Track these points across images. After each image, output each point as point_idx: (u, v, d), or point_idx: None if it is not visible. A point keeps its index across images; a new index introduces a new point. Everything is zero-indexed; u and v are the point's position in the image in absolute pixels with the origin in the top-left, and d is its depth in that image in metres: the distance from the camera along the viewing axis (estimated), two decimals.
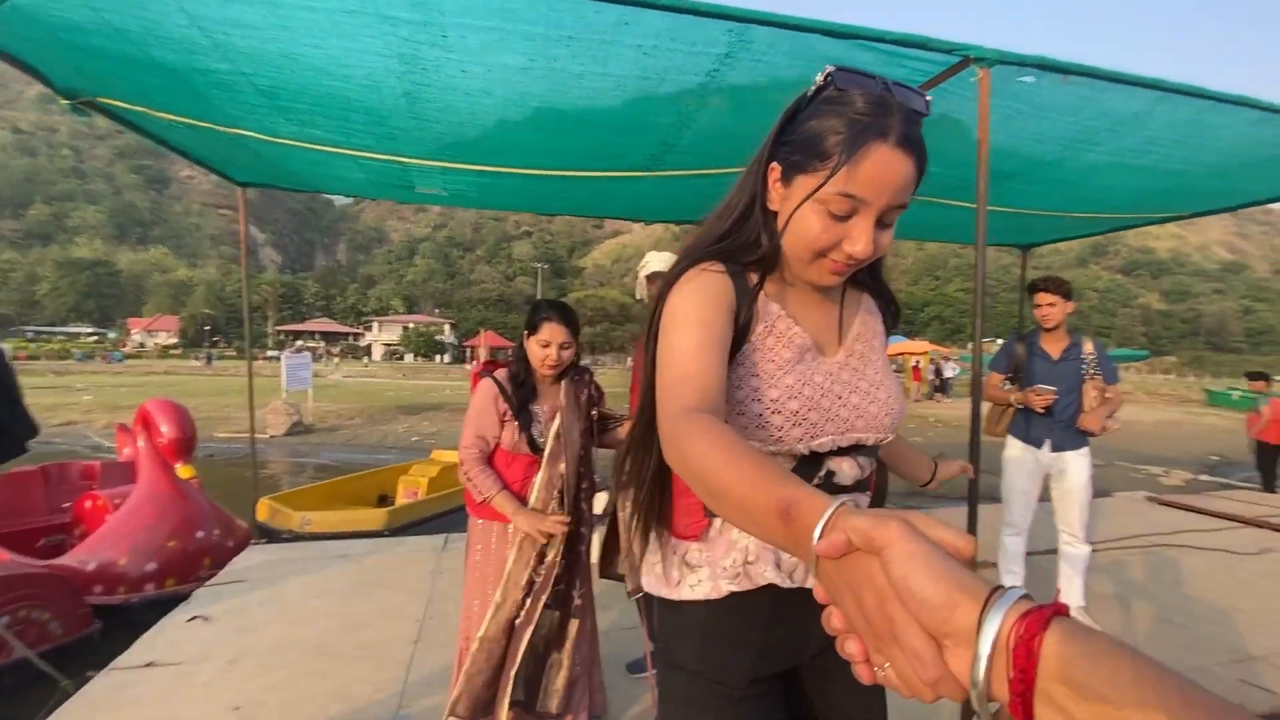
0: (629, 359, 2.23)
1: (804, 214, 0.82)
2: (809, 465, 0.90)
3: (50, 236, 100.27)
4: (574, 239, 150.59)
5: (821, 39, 1.81)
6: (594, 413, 2.22)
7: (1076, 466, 3.28)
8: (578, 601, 2.10)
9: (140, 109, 2.56)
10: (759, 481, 0.55)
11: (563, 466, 2.06)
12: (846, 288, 1.01)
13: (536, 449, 2.06)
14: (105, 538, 4.07)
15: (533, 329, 2.06)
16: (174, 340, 65.86)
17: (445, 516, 6.13)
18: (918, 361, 26.75)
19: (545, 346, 2.04)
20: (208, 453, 12.04)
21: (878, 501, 1.06)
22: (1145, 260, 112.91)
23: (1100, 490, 7.85)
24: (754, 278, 0.91)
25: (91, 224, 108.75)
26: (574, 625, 2.08)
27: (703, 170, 3.21)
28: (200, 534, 4.24)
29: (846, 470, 0.93)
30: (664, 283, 0.90)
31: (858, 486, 0.96)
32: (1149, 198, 3.77)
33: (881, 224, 0.81)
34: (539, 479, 2.04)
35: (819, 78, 0.82)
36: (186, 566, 4.09)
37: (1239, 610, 3.56)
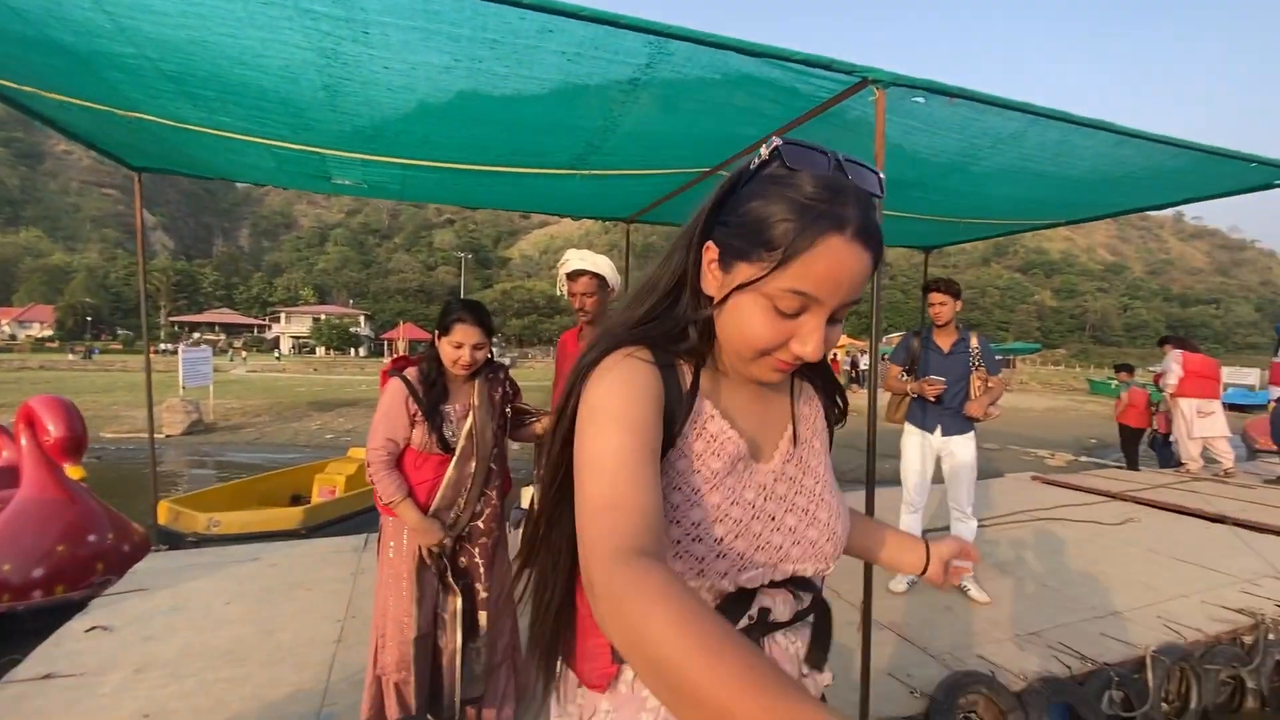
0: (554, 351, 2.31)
1: (747, 307, 0.70)
2: (736, 604, 0.75)
3: None
4: (500, 228, 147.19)
5: (736, 55, 1.93)
6: (508, 410, 2.25)
7: (963, 449, 3.64)
8: (483, 595, 2.13)
9: (30, 89, 2.36)
10: (748, 691, 0.43)
11: (473, 465, 2.08)
12: (791, 377, 0.87)
13: (448, 448, 2.06)
14: None
15: (445, 330, 2.05)
16: (49, 332, 59.49)
17: (364, 515, 5.96)
18: (835, 354, 28.15)
19: (458, 348, 2.03)
20: (96, 454, 11.07)
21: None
22: (1040, 260, 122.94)
23: (993, 471, 8.62)
24: (685, 368, 0.78)
25: None
26: (483, 616, 2.13)
27: (630, 170, 3.30)
28: (92, 538, 3.95)
29: (781, 606, 0.78)
30: (578, 369, 0.75)
31: (798, 617, 0.80)
32: (1030, 206, 4.19)
33: (833, 320, 0.71)
34: (447, 478, 2.05)
35: (763, 150, 0.70)
36: (78, 572, 3.80)
37: (1103, 574, 4.05)
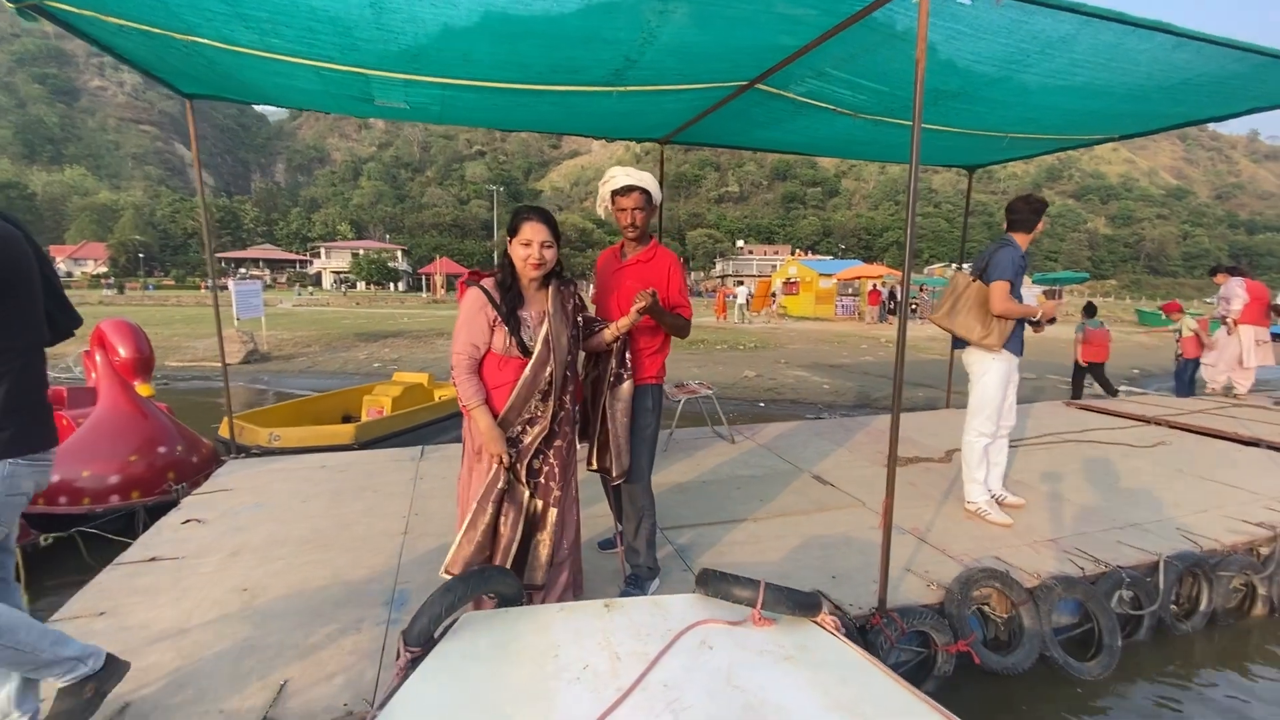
0: (590, 285, 2.41)
1: None
2: None
3: None
4: (530, 159, 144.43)
5: None
6: (580, 319, 2.36)
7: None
8: (556, 493, 2.27)
9: (90, 14, 2.49)
10: None
11: (549, 370, 2.19)
12: None
13: (527, 352, 2.16)
14: (66, 453, 4.16)
15: (514, 231, 2.15)
16: (103, 269, 61.93)
17: (413, 432, 6.35)
18: (874, 285, 27.52)
19: (527, 246, 2.11)
20: (163, 381, 11.84)
21: None
22: (1096, 185, 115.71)
23: (1028, 398, 8.56)
24: None
25: None
26: (552, 514, 2.28)
27: (666, 86, 3.29)
28: (163, 449, 4.33)
29: None
30: None
31: None
32: (1080, 118, 4.03)
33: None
34: (523, 378, 2.15)
35: None
36: (151, 481, 4.20)
37: (1126, 490, 4.13)
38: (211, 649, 2.34)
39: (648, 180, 2.52)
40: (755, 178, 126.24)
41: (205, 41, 2.61)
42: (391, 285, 61.19)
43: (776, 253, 75.45)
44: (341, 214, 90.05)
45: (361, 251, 65.77)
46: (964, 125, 4.13)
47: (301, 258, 73.62)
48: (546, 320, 2.21)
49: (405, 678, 1.13)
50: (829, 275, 29.67)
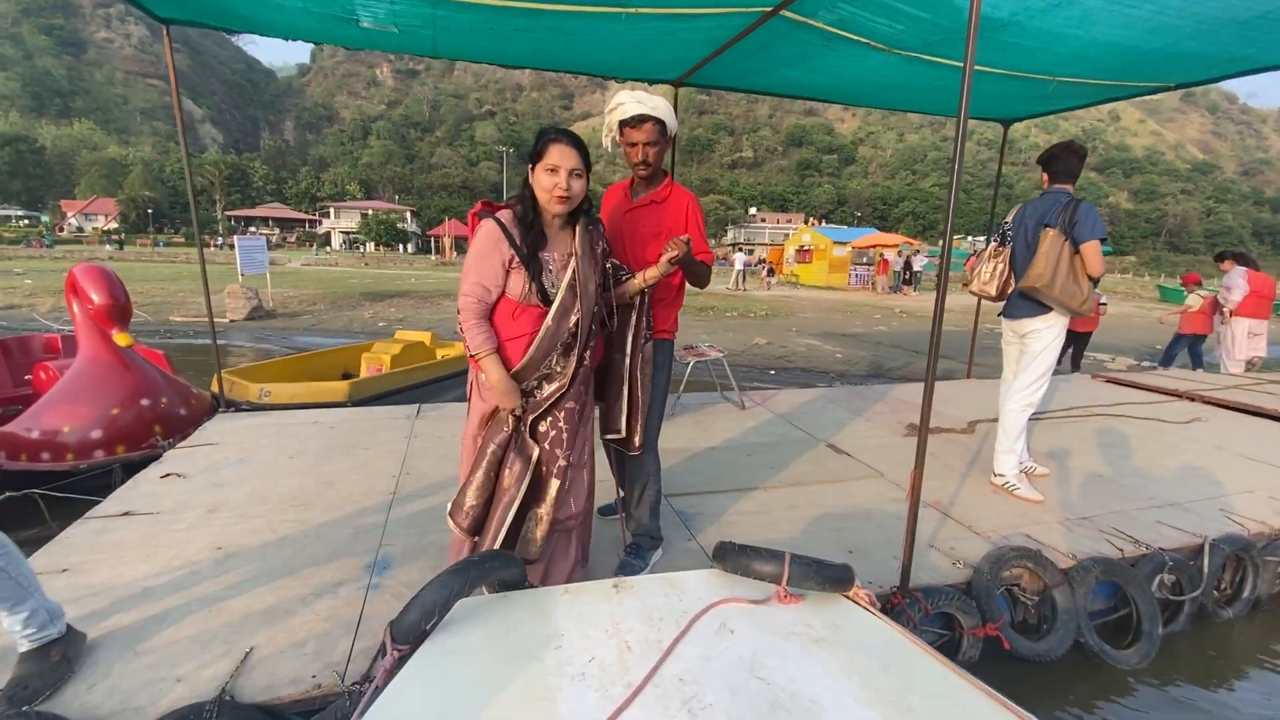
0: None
1: None
2: None
3: None
4: (541, 119, 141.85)
5: None
6: (608, 265, 2.07)
7: None
8: (561, 462, 2.00)
9: None
10: None
11: (573, 320, 1.90)
12: None
13: (548, 300, 1.88)
14: (46, 406, 3.96)
15: (538, 156, 1.83)
16: (114, 225, 61.76)
17: (411, 390, 6.16)
18: (882, 254, 26.91)
19: (553, 172, 1.81)
20: (166, 335, 11.72)
21: None
22: (1120, 159, 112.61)
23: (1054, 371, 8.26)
24: None
25: (4, 94, 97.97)
26: (554, 486, 2.00)
27: (680, 9, 2.95)
28: (145, 402, 4.12)
29: None
30: None
31: None
32: (1138, 59, 3.64)
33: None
34: (544, 329, 1.87)
35: None
36: (136, 434, 4.00)
37: (1163, 467, 3.88)
38: (176, 610, 2.16)
39: (662, 108, 2.21)
40: (770, 143, 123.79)
41: None
42: (400, 246, 60.77)
43: (790, 220, 74.27)
44: (350, 173, 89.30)
45: (370, 212, 65.22)
46: (1008, 66, 3.76)
47: (311, 217, 73.21)
48: (573, 263, 1.90)
49: (390, 678, 0.95)
50: (843, 244, 29.02)
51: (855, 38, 3.31)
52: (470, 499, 1.99)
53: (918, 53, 3.48)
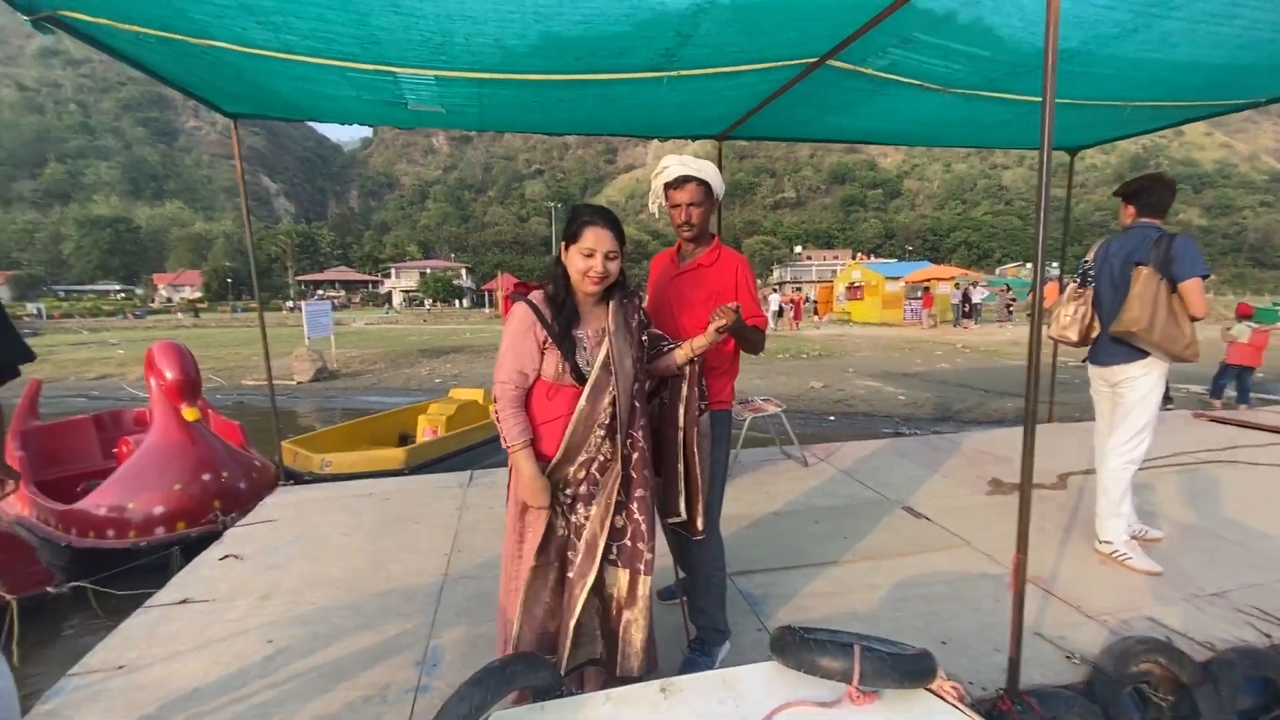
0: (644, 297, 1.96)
1: None
2: None
3: (68, 195, 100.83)
4: (586, 175, 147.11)
5: None
6: (644, 337, 1.95)
7: None
8: (648, 556, 1.82)
9: (105, 22, 2.33)
10: None
11: (607, 400, 1.80)
12: None
13: (583, 379, 1.80)
14: (116, 483, 4.09)
15: (573, 237, 1.78)
16: (198, 294, 66.70)
17: (465, 453, 6.16)
18: (927, 287, 25.97)
19: (588, 256, 1.75)
20: (237, 400, 12.29)
21: None
22: (1188, 174, 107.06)
23: None
24: None
25: (106, 180, 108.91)
26: (644, 584, 1.82)
27: (723, 68, 2.90)
28: (207, 477, 4.20)
29: None
30: None
31: None
32: (1225, 77, 3.35)
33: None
34: (579, 410, 1.77)
35: None
36: (196, 510, 4.06)
37: None
38: (222, 716, 2.07)
39: (707, 170, 2.12)
40: (812, 182, 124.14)
41: (221, 45, 2.41)
42: (457, 301, 63.10)
43: (836, 257, 73.46)
44: (410, 235, 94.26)
45: (428, 270, 68.33)
46: (1077, 95, 3.53)
47: (374, 278, 77.17)
48: (606, 340, 1.82)
49: None
50: (896, 278, 28.29)
51: (908, 80, 3.17)
52: (537, 627, 1.82)
53: (978, 90, 3.30)
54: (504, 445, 1.81)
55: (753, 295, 2.17)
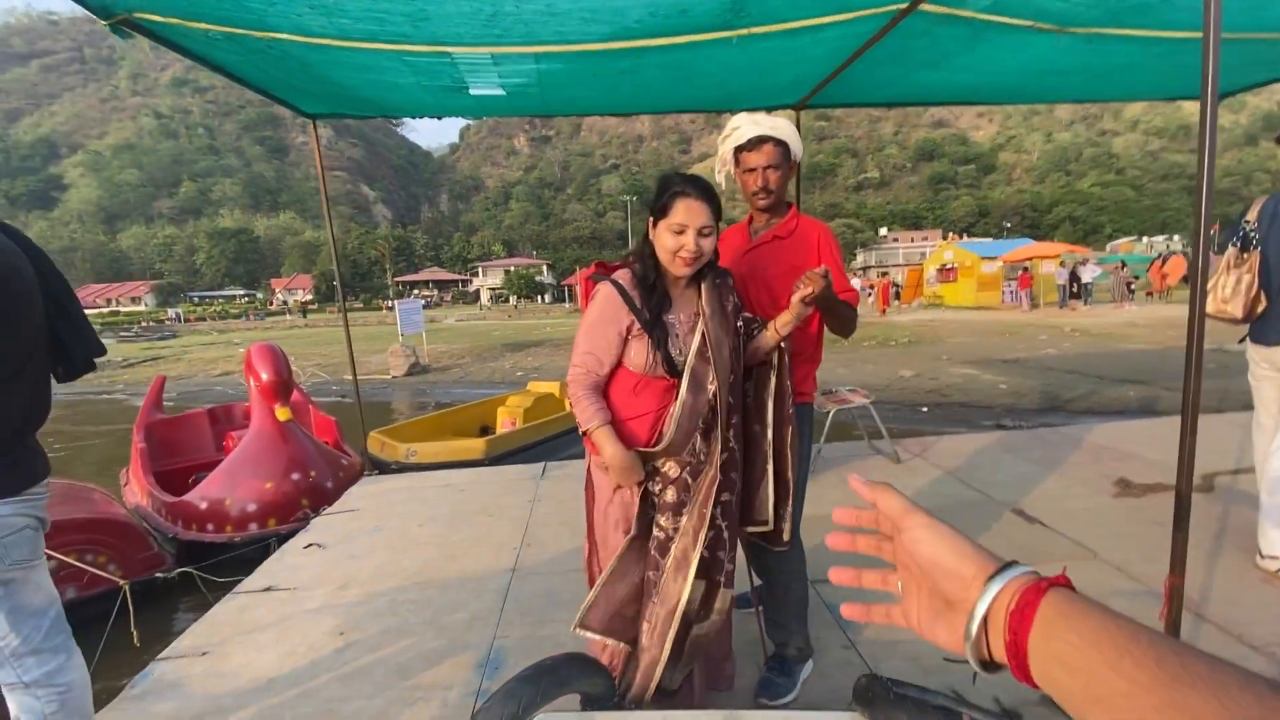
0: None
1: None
2: None
3: (199, 210, 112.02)
4: (661, 166, 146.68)
5: None
6: (740, 323, 1.74)
7: None
8: (729, 567, 1.65)
9: (176, 21, 2.39)
10: None
11: (710, 392, 1.61)
12: None
13: (675, 370, 1.61)
14: (216, 478, 4.32)
15: (661, 211, 1.58)
16: (309, 297, 72.25)
17: (542, 445, 6.21)
18: (1025, 267, 23.83)
19: (679, 233, 1.55)
20: (341, 394, 13.09)
21: None
22: None
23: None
24: None
25: (230, 195, 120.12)
26: (725, 597, 1.65)
27: (797, 22, 2.62)
28: (296, 476, 4.36)
29: None
30: None
31: None
32: None
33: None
34: (677, 408, 1.58)
35: None
36: (285, 507, 4.22)
37: None
38: (291, 710, 2.08)
39: (784, 128, 1.86)
40: (897, 161, 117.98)
41: (283, 36, 2.42)
42: (539, 297, 64.90)
43: (925, 238, 69.39)
44: (495, 235, 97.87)
45: (512, 268, 70.65)
46: (1224, 27, 2.95)
47: (463, 277, 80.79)
48: (702, 325, 1.63)
49: None
50: (992, 259, 26.19)
51: (1015, 22, 2.76)
52: (615, 603, 1.65)
53: (1100, 27, 2.83)
54: (581, 429, 1.65)
55: (840, 266, 1.89)
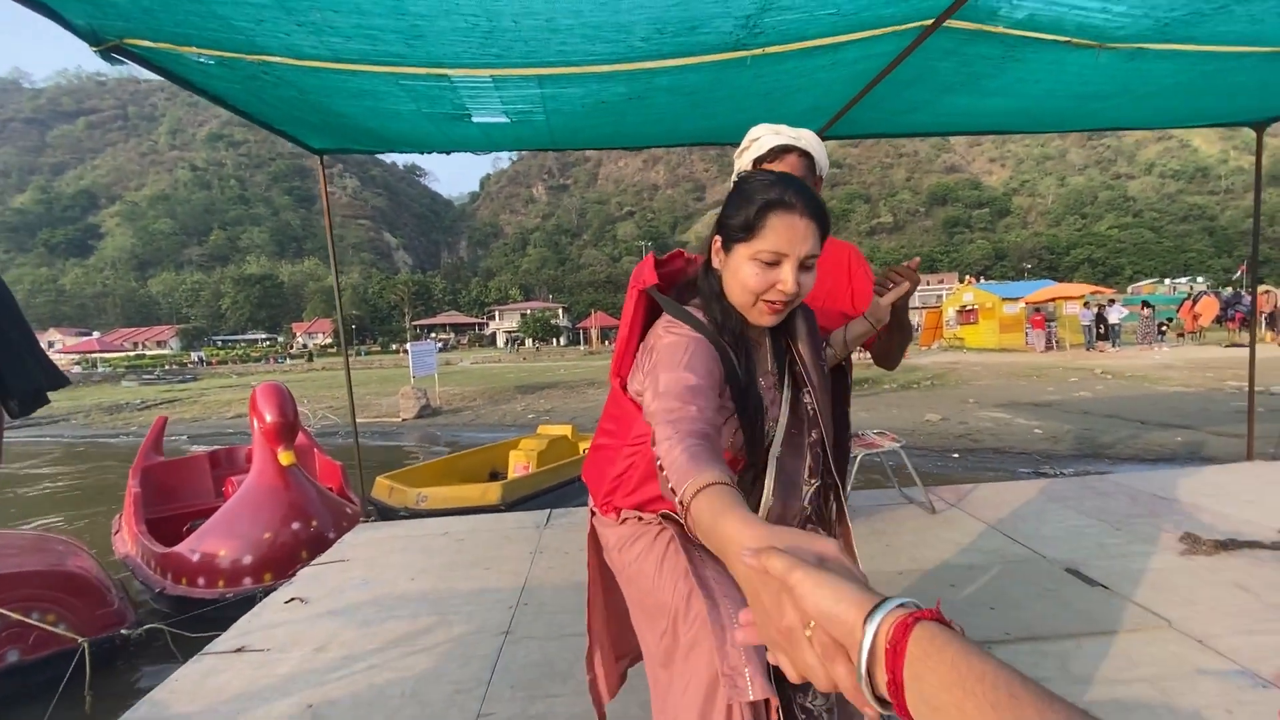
0: None
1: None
2: None
3: (227, 258, 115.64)
4: (675, 214, 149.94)
5: None
6: (823, 354, 1.29)
7: None
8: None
9: (167, 47, 2.29)
10: None
11: (806, 495, 1.18)
12: None
13: (755, 456, 1.15)
14: (211, 527, 4.06)
15: (747, 230, 1.05)
16: (329, 340, 73.40)
17: (556, 490, 5.93)
18: (1038, 308, 23.44)
19: (773, 264, 1.05)
20: (348, 435, 12.93)
21: None
22: None
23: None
24: None
25: (258, 243, 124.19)
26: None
27: (815, 40, 2.47)
28: (295, 526, 4.08)
29: None
30: None
31: None
32: None
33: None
34: (766, 507, 1.11)
35: None
36: (284, 560, 3.93)
37: None
38: None
39: (808, 138, 1.68)
40: (910, 205, 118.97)
41: (274, 59, 2.31)
42: (554, 340, 65.32)
43: (941, 281, 69.22)
44: (512, 279, 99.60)
45: (528, 311, 71.41)
46: (1269, 40, 2.76)
47: (479, 320, 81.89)
48: (805, 372, 1.20)
49: None
50: (1014, 299, 25.78)
51: (1052, 37, 2.58)
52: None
53: (1145, 42, 2.64)
54: (673, 496, 0.87)
55: (871, 288, 1.67)
